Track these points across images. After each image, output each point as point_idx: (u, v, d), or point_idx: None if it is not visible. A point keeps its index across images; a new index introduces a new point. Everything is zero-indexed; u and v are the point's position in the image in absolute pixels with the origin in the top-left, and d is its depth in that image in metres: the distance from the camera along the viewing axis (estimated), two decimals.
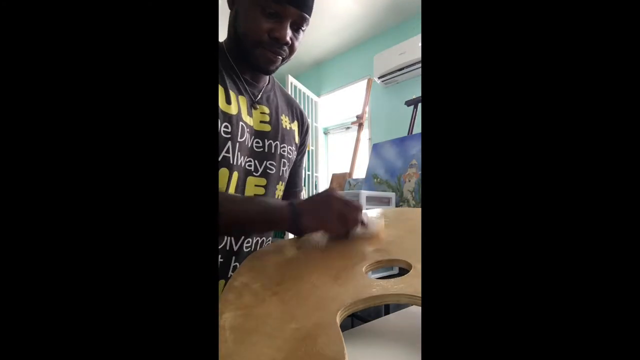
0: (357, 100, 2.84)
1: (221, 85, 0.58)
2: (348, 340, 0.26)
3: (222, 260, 0.60)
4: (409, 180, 1.42)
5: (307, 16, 0.57)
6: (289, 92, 2.62)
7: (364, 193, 1.22)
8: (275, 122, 0.67)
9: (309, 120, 3.01)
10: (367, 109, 2.62)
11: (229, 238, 0.61)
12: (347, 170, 2.46)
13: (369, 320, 0.40)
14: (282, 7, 0.54)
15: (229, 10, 0.61)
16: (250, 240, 0.64)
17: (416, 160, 1.43)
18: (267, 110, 0.66)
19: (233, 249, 0.62)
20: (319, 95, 3.16)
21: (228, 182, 0.58)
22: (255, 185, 0.64)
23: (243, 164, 0.61)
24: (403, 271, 0.39)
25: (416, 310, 0.42)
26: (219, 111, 0.57)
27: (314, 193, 0.53)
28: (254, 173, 0.63)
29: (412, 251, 0.42)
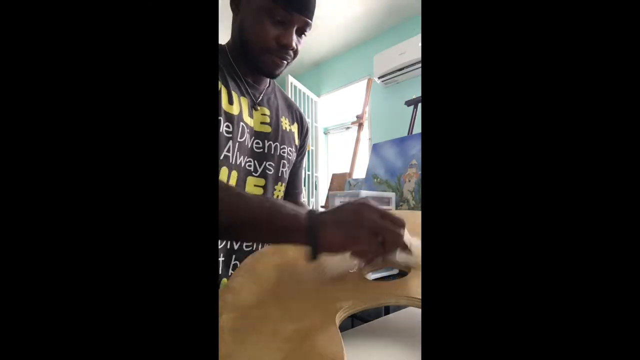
0: (357, 100, 2.84)
1: (224, 85, 0.59)
2: (348, 340, 0.26)
3: (222, 259, 0.60)
4: (409, 180, 1.42)
5: (311, 22, 0.58)
6: (289, 92, 2.63)
7: (364, 193, 1.22)
8: (275, 123, 0.68)
9: (309, 120, 3.00)
10: (367, 109, 2.62)
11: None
12: (347, 170, 2.46)
13: (368, 320, 0.40)
14: (288, 15, 0.55)
15: (231, 14, 0.62)
16: None
17: (416, 160, 1.43)
18: (267, 111, 0.68)
19: (233, 247, 0.62)
20: (319, 95, 3.16)
21: (227, 182, 0.59)
22: (255, 185, 0.65)
23: (243, 163, 0.62)
24: (403, 275, 0.39)
25: (416, 311, 0.42)
26: (222, 111, 0.57)
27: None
28: (254, 173, 0.64)
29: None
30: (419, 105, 1.89)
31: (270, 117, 0.68)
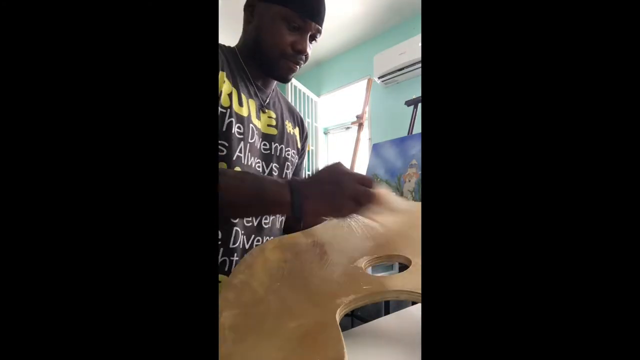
0: (357, 100, 2.83)
1: (234, 88, 0.61)
2: (348, 340, 0.27)
3: (230, 258, 0.60)
4: (409, 180, 1.42)
5: (321, 28, 0.63)
6: (289, 92, 2.63)
7: None
8: (281, 126, 0.71)
9: (309, 120, 3.00)
10: (367, 109, 2.61)
11: (242, 237, 0.61)
12: None
13: (368, 321, 0.40)
14: (304, 22, 0.60)
15: (235, 16, 0.64)
16: (260, 238, 0.65)
17: (416, 160, 1.43)
18: (273, 114, 0.70)
19: (245, 246, 0.62)
20: (319, 95, 3.15)
21: None
22: None
23: (253, 164, 0.64)
24: (403, 268, 0.39)
25: (416, 311, 0.42)
26: (233, 112, 0.59)
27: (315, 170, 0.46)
28: (261, 174, 0.66)
29: (412, 246, 0.42)
30: (419, 105, 1.89)
31: (277, 120, 0.70)
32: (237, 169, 0.59)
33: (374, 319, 0.41)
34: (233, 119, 0.59)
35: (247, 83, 0.65)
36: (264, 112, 0.68)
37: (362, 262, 0.39)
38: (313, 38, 0.63)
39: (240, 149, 0.60)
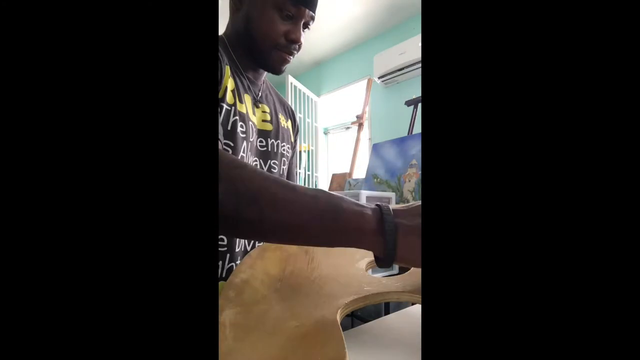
0: (357, 100, 2.84)
1: (235, 83, 0.58)
2: (348, 340, 0.27)
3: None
4: (409, 180, 1.42)
5: (315, 15, 0.58)
6: (289, 92, 2.63)
7: (364, 193, 1.22)
8: (275, 121, 0.67)
9: (309, 120, 2.99)
10: (367, 109, 2.62)
11: (243, 240, 0.58)
12: (347, 170, 2.46)
13: (369, 321, 0.40)
14: (297, 9, 0.55)
15: (230, 4, 0.60)
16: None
17: (416, 160, 1.44)
18: (267, 109, 0.66)
19: (246, 249, 0.60)
20: (318, 95, 3.15)
21: None
22: None
23: (252, 164, 0.61)
24: (403, 271, 0.39)
25: (416, 311, 0.42)
26: (237, 111, 0.56)
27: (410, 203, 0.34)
28: None
29: None
30: (419, 105, 1.89)
31: (271, 114, 0.66)
32: None
33: (374, 319, 0.41)
34: (237, 117, 0.56)
35: (241, 77, 0.61)
36: (257, 106, 0.64)
37: (363, 264, 0.39)
38: (306, 26, 0.59)
39: (244, 149, 0.57)
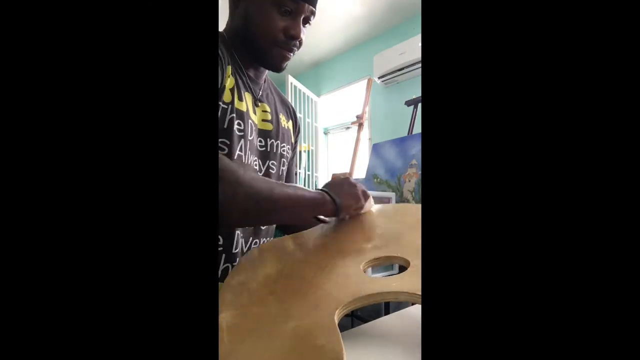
0: (357, 100, 2.83)
1: (235, 81, 0.57)
2: (347, 341, 0.26)
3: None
4: (409, 180, 1.42)
5: (315, 10, 0.57)
6: (289, 92, 2.63)
7: None
8: (276, 121, 0.66)
9: (309, 120, 2.99)
10: (367, 109, 2.61)
11: (241, 241, 0.59)
12: (347, 170, 2.46)
13: (368, 321, 0.40)
14: (296, 4, 0.54)
15: (228, 3, 0.59)
16: (257, 240, 0.63)
17: (416, 160, 1.43)
18: (268, 108, 0.65)
19: (243, 250, 0.60)
20: (318, 95, 3.15)
21: None
22: None
23: (252, 163, 0.60)
24: (403, 270, 0.39)
25: (416, 312, 0.42)
26: (234, 108, 0.55)
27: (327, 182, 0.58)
28: (258, 173, 0.62)
29: (411, 248, 0.42)
30: (419, 105, 1.90)
31: (271, 114, 0.65)
32: None
33: (374, 319, 0.41)
34: (234, 115, 0.55)
35: (242, 75, 0.59)
36: (257, 105, 0.63)
37: (361, 264, 0.39)
38: (307, 21, 0.57)
39: (241, 147, 0.56)
